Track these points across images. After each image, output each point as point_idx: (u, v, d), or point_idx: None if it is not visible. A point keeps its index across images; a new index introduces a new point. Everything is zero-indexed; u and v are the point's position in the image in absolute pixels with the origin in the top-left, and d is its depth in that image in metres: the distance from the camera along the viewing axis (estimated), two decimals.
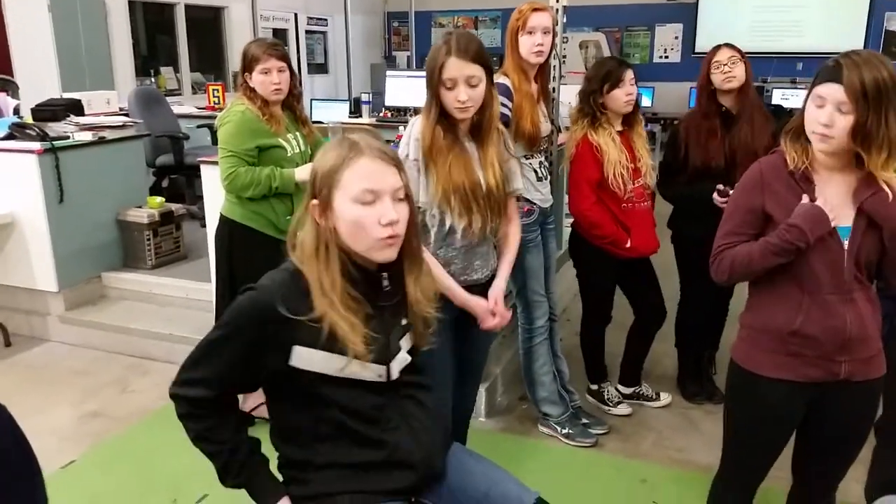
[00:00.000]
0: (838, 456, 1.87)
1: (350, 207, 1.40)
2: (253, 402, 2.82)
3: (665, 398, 3.25)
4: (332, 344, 1.40)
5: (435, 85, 1.96)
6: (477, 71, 1.95)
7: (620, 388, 3.27)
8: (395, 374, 1.52)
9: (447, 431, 1.69)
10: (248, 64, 2.74)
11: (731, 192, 2.73)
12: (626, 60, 2.90)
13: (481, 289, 2.12)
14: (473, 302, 2.07)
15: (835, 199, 1.68)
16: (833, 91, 1.59)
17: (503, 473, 1.64)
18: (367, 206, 1.40)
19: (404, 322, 1.55)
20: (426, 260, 1.62)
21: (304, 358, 1.42)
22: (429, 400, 1.60)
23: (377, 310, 1.48)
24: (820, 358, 1.72)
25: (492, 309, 2.08)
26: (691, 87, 8.49)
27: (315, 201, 1.44)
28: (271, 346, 1.41)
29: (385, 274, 1.49)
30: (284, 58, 2.79)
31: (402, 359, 1.54)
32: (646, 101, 8.39)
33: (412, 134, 2.02)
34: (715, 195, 2.78)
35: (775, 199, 1.72)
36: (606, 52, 9.60)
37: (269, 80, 2.74)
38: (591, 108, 2.85)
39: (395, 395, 1.53)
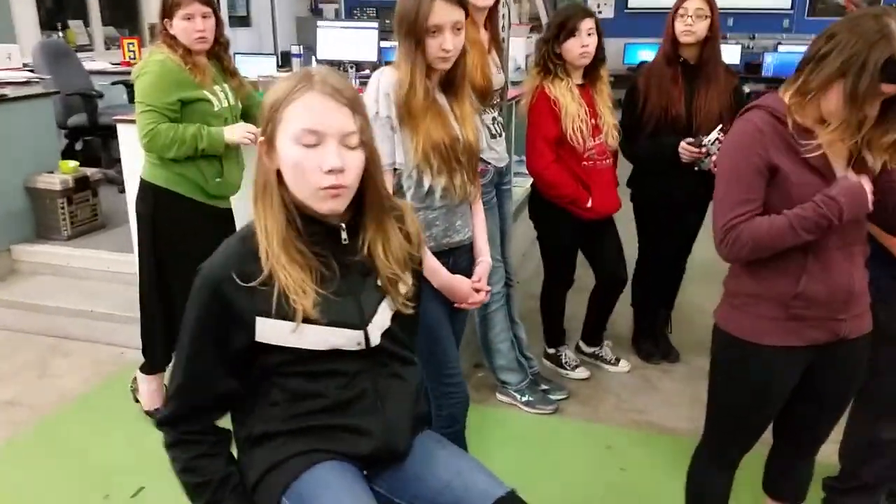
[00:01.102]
0: (831, 414, 1.80)
1: (290, 148, 1.24)
2: None
3: (623, 365, 3.15)
4: (286, 308, 1.26)
5: (419, 32, 1.75)
6: (461, 16, 1.78)
7: (582, 345, 3.18)
8: (375, 340, 1.36)
9: (420, 413, 1.51)
10: (169, 9, 2.44)
11: (703, 140, 2.66)
12: (588, 9, 2.71)
13: (466, 250, 1.98)
14: (457, 283, 1.91)
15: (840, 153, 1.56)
16: None
17: (472, 463, 1.47)
18: (308, 148, 1.24)
19: (379, 283, 1.37)
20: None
21: (267, 330, 1.28)
22: (407, 374, 1.46)
23: (342, 268, 1.32)
24: (824, 319, 1.62)
25: (474, 286, 1.93)
26: (626, 44, 8.43)
27: (262, 138, 1.30)
28: (233, 320, 1.28)
29: (342, 225, 1.32)
30: (209, 2, 2.50)
31: (380, 323, 1.38)
32: (652, 56, 8.01)
33: (380, 89, 1.80)
34: (683, 144, 2.68)
35: (780, 154, 1.55)
36: (540, 7, 9.41)
37: (192, 26, 2.46)
38: (546, 57, 2.68)
39: (373, 363, 1.38)
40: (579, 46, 2.63)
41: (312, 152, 1.23)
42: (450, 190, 1.87)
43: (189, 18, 2.44)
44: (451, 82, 1.88)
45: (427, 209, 1.87)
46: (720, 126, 2.67)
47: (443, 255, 1.91)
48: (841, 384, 1.75)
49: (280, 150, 1.26)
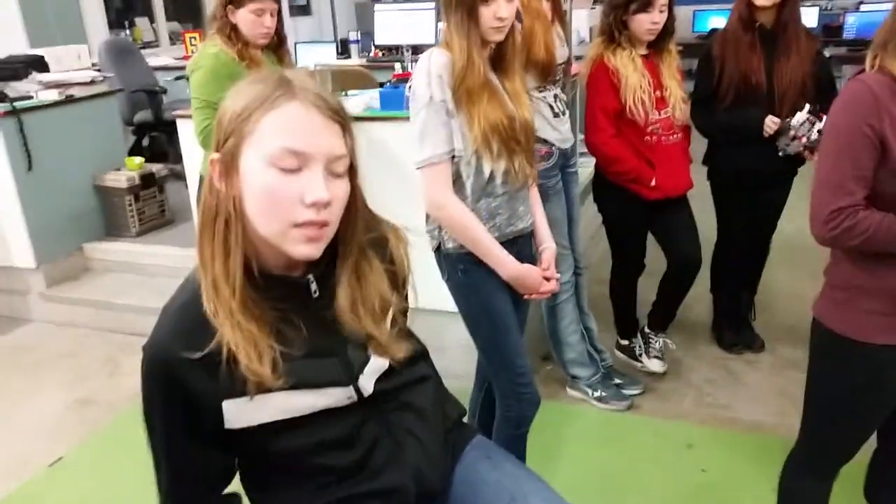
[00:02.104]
0: None
1: (262, 172, 0.97)
2: None
3: (657, 366, 2.87)
4: (239, 378, 1.01)
5: (472, 2, 1.63)
6: None
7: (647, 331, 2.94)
8: (368, 390, 1.14)
9: (451, 426, 1.32)
10: None
11: (790, 123, 2.45)
12: None
13: (528, 237, 1.88)
14: (527, 272, 1.79)
15: None
16: None
17: (528, 484, 1.24)
18: (286, 173, 0.97)
19: (355, 328, 1.13)
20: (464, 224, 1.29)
21: (236, 413, 1.05)
22: (419, 396, 1.23)
23: (313, 324, 1.08)
24: None
25: (544, 274, 1.82)
26: (695, 11, 8.03)
27: (216, 155, 1.01)
28: (192, 404, 1.04)
29: (311, 276, 1.07)
30: None
31: (376, 367, 1.15)
32: (723, 23, 7.34)
33: (431, 71, 1.67)
34: (768, 120, 2.49)
35: (894, 127, 1.35)
36: None
37: (260, 21, 2.41)
38: (612, 25, 2.51)
39: (375, 407, 1.16)
40: (649, 22, 2.44)
41: (292, 179, 0.97)
42: (510, 173, 1.75)
43: (260, 13, 2.39)
44: (501, 57, 1.76)
45: (489, 197, 1.76)
46: (808, 106, 2.45)
47: (506, 244, 1.79)
48: None
49: (246, 173, 0.98)
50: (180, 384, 1.02)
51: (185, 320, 1.03)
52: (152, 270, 3.82)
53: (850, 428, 1.60)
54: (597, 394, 2.70)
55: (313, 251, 1.01)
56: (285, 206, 0.97)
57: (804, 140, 2.45)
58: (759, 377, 2.85)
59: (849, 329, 1.50)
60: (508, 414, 1.93)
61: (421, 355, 1.26)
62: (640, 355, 2.92)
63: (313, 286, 1.08)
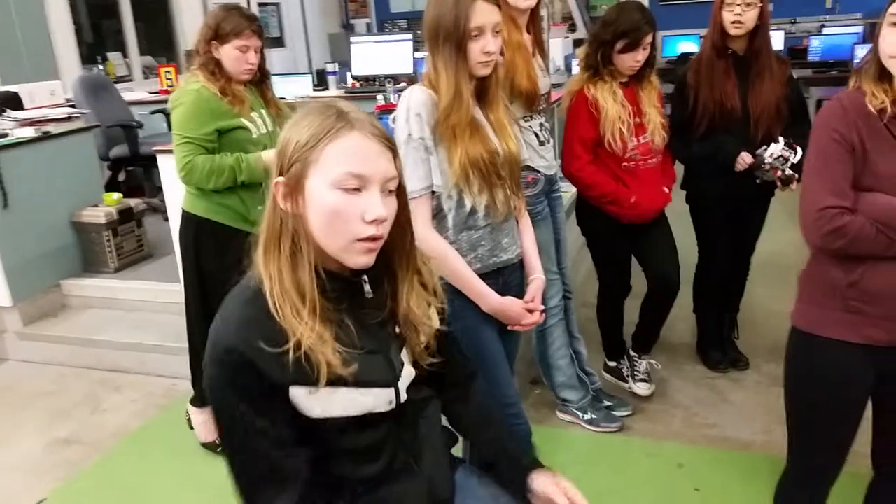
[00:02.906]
0: None
1: (327, 193, 1.09)
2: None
3: (643, 388, 2.89)
4: (311, 373, 1.10)
5: (462, 36, 1.65)
6: (500, 17, 1.69)
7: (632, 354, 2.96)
8: (403, 396, 1.24)
9: (448, 441, 1.44)
10: (224, 35, 2.37)
11: (765, 156, 2.51)
12: (652, 18, 2.52)
13: (515, 267, 1.87)
14: (508, 305, 1.79)
15: None
16: None
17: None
18: (349, 193, 1.09)
19: (397, 330, 1.25)
20: (442, 258, 1.39)
21: (303, 402, 1.13)
22: (435, 409, 1.36)
23: (361, 323, 1.18)
24: (884, 318, 1.48)
25: (527, 306, 1.81)
26: (664, 36, 8.21)
27: (281, 179, 1.12)
28: (264, 386, 1.10)
29: (365, 277, 1.19)
30: (262, 36, 2.46)
31: (407, 374, 1.26)
32: (691, 47, 7.01)
33: (410, 109, 1.69)
34: (741, 158, 2.56)
35: (870, 140, 1.45)
36: (573, 5, 9.27)
37: (245, 58, 2.41)
38: (598, 60, 2.54)
39: (398, 420, 1.25)
40: (633, 60, 2.50)
41: (353, 198, 1.10)
42: (492, 207, 1.76)
43: (244, 50, 2.39)
44: (484, 90, 1.77)
45: (471, 230, 1.76)
46: (782, 140, 2.51)
47: (490, 276, 1.80)
48: None
49: (311, 195, 1.10)
50: (253, 367, 1.08)
51: (253, 313, 1.11)
52: (132, 305, 3.78)
53: (823, 429, 1.64)
54: (587, 416, 2.70)
55: (368, 261, 1.14)
56: (348, 223, 1.10)
57: (779, 173, 2.52)
58: (744, 395, 2.88)
59: (806, 323, 1.58)
60: None
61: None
62: (628, 377, 2.94)
63: (366, 287, 1.19)
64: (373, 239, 1.11)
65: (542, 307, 1.86)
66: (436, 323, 1.29)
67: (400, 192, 1.18)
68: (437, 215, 1.74)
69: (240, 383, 1.09)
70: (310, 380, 1.10)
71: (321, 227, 1.11)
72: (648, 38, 2.48)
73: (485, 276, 1.78)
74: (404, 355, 1.26)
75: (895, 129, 1.45)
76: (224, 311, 1.14)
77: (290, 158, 1.11)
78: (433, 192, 1.71)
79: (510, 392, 1.87)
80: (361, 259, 1.12)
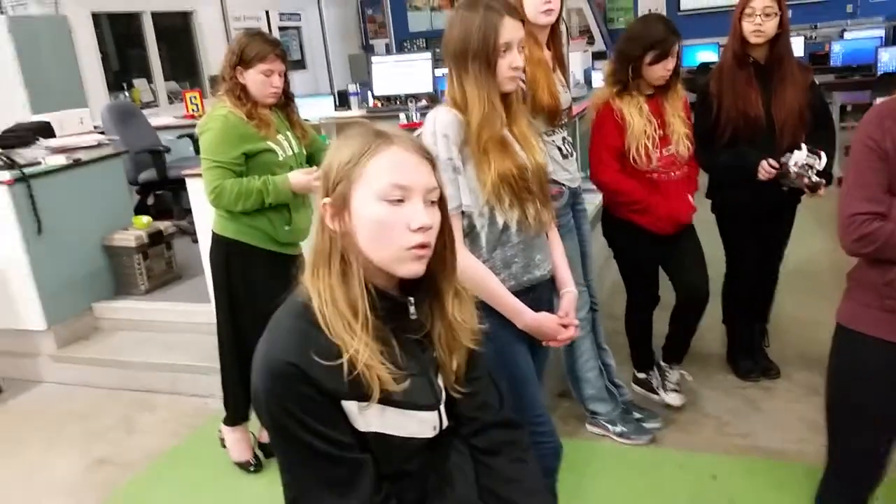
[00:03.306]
0: None
1: (373, 206, 1.12)
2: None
3: (674, 399, 2.87)
4: (359, 387, 1.11)
5: (492, 53, 1.67)
6: (524, 32, 1.72)
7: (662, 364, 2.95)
8: (446, 421, 1.25)
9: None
10: (248, 60, 2.42)
11: (790, 163, 2.50)
12: (675, 27, 2.54)
13: (547, 283, 1.86)
14: (543, 321, 1.78)
15: None
16: None
17: None
18: (393, 205, 1.12)
19: (434, 355, 1.26)
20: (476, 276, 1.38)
21: (356, 416, 1.14)
22: (458, 442, 1.35)
23: (404, 345, 1.19)
24: None
25: (562, 321, 1.80)
26: (682, 46, 8.19)
27: (328, 200, 1.15)
28: (324, 401, 1.11)
29: (411, 299, 1.20)
30: (286, 60, 2.51)
31: (445, 398, 1.27)
32: (711, 56, 7.13)
33: (437, 131, 1.70)
34: (762, 167, 2.54)
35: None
36: (590, 18, 9.31)
37: (269, 82, 2.45)
38: (627, 74, 2.54)
39: (439, 442, 1.25)
40: (663, 69, 2.51)
41: (397, 209, 1.12)
42: (524, 222, 1.76)
43: (269, 74, 2.44)
44: (507, 105, 1.77)
45: (504, 246, 1.76)
46: (805, 147, 2.50)
47: (522, 293, 1.79)
48: None
49: (358, 210, 1.13)
50: (309, 379, 1.09)
51: (304, 327, 1.12)
52: (162, 327, 3.83)
53: (862, 428, 1.65)
54: (617, 429, 2.69)
55: (420, 269, 1.15)
56: (395, 233, 1.11)
57: (805, 180, 2.50)
58: (777, 404, 2.85)
59: (849, 320, 1.61)
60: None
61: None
62: (658, 388, 2.92)
63: (412, 308, 1.20)
64: (421, 246, 1.13)
65: (576, 322, 1.85)
66: (470, 343, 1.27)
67: (441, 204, 1.19)
68: (470, 234, 1.74)
69: (297, 394, 1.09)
70: (362, 395, 1.11)
71: (369, 240, 1.13)
72: (676, 48, 2.50)
73: (517, 293, 1.77)
74: (440, 379, 1.26)
75: None
76: (274, 326, 1.15)
77: (335, 179, 1.14)
78: (462, 213, 1.72)
79: (540, 412, 1.87)
80: (412, 267, 1.14)
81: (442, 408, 1.24)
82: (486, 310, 1.72)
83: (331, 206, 1.15)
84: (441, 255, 1.21)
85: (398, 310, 1.19)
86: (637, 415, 2.76)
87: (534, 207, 1.76)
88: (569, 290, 1.87)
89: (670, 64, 2.50)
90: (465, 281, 1.71)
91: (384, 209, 1.12)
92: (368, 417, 1.14)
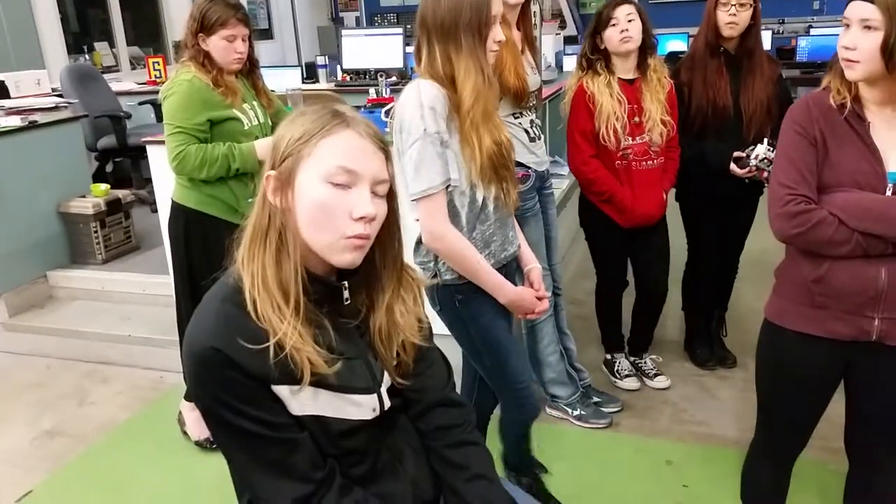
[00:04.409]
0: (880, 431, 1.69)
1: (317, 187, 1.09)
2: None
3: (661, 381, 2.95)
4: (293, 371, 1.08)
5: (482, 27, 1.66)
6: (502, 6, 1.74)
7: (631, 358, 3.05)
8: (387, 403, 1.23)
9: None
10: (210, 26, 2.36)
11: (751, 157, 2.53)
12: None
13: (513, 261, 1.91)
14: (522, 294, 1.83)
15: (887, 140, 1.50)
16: (855, 8, 1.44)
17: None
18: (338, 189, 1.09)
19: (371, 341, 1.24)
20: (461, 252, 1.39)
21: (289, 401, 1.11)
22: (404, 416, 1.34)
23: (339, 329, 1.16)
24: (848, 313, 1.54)
25: (537, 294, 1.86)
26: (646, 22, 8.25)
27: (273, 172, 1.11)
28: (251, 386, 1.08)
29: (345, 283, 1.16)
30: (249, 24, 2.44)
31: (386, 381, 1.24)
32: (680, 46, 7.46)
33: (424, 103, 1.66)
34: (733, 166, 2.60)
35: (830, 136, 1.52)
36: (563, 2, 9.28)
37: (232, 47, 2.39)
38: (585, 52, 2.61)
39: (385, 421, 1.24)
40: (618, 33, 2.53)
41: (343, 194, 1.09)
42: (500, 199, 1.78)
43: (231, 39, 2.38)
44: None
45: (483, 224, 1.78)
46: (766, 141, 2.53)
47: (499, 270, 1.82)
48: (880, 397, 1.65)
49: (301, 188, 1.09)
50: (236, 364, 1.06)
51: (231, 311, 1.09)
52: (119, 297, 3.75)
53: (787, 413, 1.74)
54: (576, 412, 2.72)
55: (356, 259, 1.12)
56: (337, 219, 1.09)
57: (764, 174, 2.54)
58: (732, 392, 2.90)
59: (776, 316, 1.66)
60: (509, 418, 2.06)
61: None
62: (617, 371, 2.96)
63: (345, 293, 1.17)
64: (360, 237, 1.10)
65: (548, 294, 1.92)
66: (416, 338, 1.25)
67: (390, 197, 1.17)
68: (450, 213, 1.73)
69: (223, 378, 1.07)
70: (293, 379, 1.08)
71: (309, 221, 1.10)
72: (625, 10, 2.52)
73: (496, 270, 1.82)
74: (384, 364, 1.24)
75: (855, 124, 1.51)
76: (201, 310, 1.12)
77: (283, 153, 1.11)
78: (448, 188, 1.71)
79: (524, 378, 1.95)
80: (347, 257, 1.11)
81: (383, 390, 1.22)
82: (470, 289, 1.77)
83: (275, 180, 1.11)
84: (386, 245, 1.20)
85: (332, 294, 1.16)
86: (596, 399, 2.79)
87: (507, 185, 1.78)
88: (534, 266, 1.92)
89: (625, 25, 2.52)
90: (449, 256, 1.72)
91: (328, 192, 1.09)
92: (303, 401, 1.11)
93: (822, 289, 1.54)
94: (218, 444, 1.16)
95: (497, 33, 1.68)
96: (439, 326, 1.84)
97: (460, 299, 1.80)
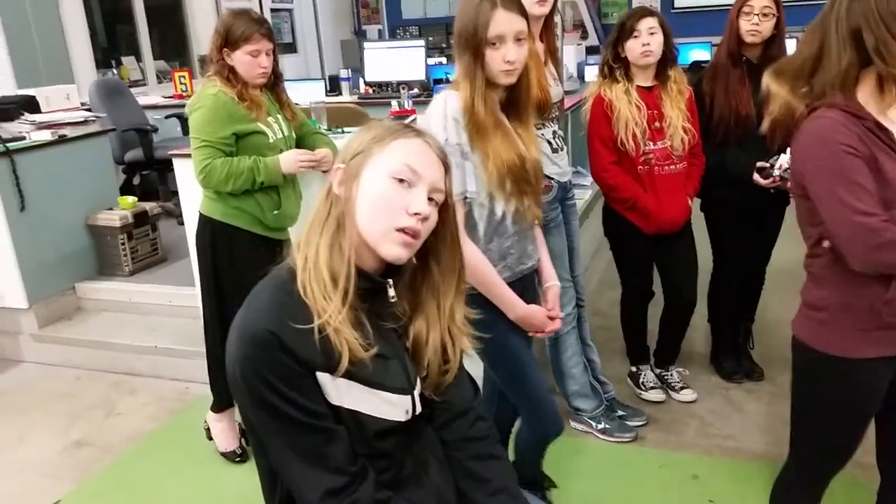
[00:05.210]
0: None
1: (382, 180, 1.17)
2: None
3: (688, 395, 2.92)
4: (330, 356, 1.12)
5: (478, 45, 1.66)
6: (524, 25, 1.69)
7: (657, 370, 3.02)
8: (419, 408, 1.27)
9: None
10: (234, 41, 2.39)
11: (775, 166, 2.50)
12: (653, 9, 2.61)
13: (532, 276, 1.92)
14: (533, 313, 1.83)
15: None
16: None
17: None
18: (400, 185, 1.17)
19: (408, 346, 1.28)
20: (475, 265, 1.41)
21: (328, 388, 1.14)
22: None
23: (379, 329, 1.20)
24: None
25: (549, 313, 1.86)
26: (676, 44, 8.19)
27: (343, 165, 1.21)
28: (299, 372, 1.11)
29: (390, 281, 1.21)
30: (273, 38, 2.47)
31: (418, 387, 1.28)
32: (703, 55, 6.87)
33: (448, 114, 1.69)
34: (756, 176, 2.55)
35: (877, 152, 1.42)
36: (584, 12, 9.28)
37: (257, 62, 2.42)
38: (605, 61, 2.62)
39: (413, 427, 1.27)
40: (640, 46, 2.53)
41: (403, 191, 1.17)
42: (519, 213, 1.79)
43: (255, 54, 2.41)
44: (513, 102, 1.78)
45: (501, 237, 1.78)
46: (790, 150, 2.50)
47: (514, 284, 1.82)
48: None
49: (365, 180, 1.18)
50: (285, 346, 1.09)
51: (282, 297, 1.14)
52: (146, 309, 3.79)
53: (838, 445, 1.65)
54: (600, 426, 2.69)
55: (404, 254, 1.17)
56: (393, 210, 1.16)
57: (789, 184, 2.50)
58: (759, 406, 2.86)
59: (838, 348, 1.54)
60: (530, 433, 2.03)
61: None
62: (642, 383, 2.94)
63: (391, 291, 1.22)
64: (412, 233, 1.16)
65: (561, 314, 1.90)
66: (456, 361, 1.30)
67: (445, 209, 1.24)
68: (467, 225, 1.74)
69: (273, 361, 1.10)
70: (332, 364, 1.12)
71: (367, 209, 1.17)
72: (648, 23, 2.51)
73: (510, 284, 1.81)
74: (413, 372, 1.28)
75: (882, 135, 1.43)
76: (253, 297, 1.17)
77: (356, 150, 1.21)
78: (465, 199, 1.72)
79: (542, 391, 1.94)
80: (396, 250, 1.16)
81: (416, 393, 1.25)
82: (482, 301, 1.75)
83: (343, 172, 1.20)
84: (442, 256, 1.27)
85: (375, 292, 1.21)
86: (620, 412, 2.77)
87: (529, 200, 1.79)
88: (553, 284, 1.93)
89: (647, 38, 2.51)
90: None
91: (391, 186, 1.16)
92: (341, 391, 1.14)
93: (892, 308, 1.46)
94: (256, 430, 1.17)
95: (506, 53, 1.66)
96: None
97: (476, 312, 1.79)
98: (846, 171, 1.40)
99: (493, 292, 1.76)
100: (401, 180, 1.17)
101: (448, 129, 1.68)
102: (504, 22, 1.65)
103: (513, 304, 1.78)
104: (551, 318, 1.87)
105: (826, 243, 1.52)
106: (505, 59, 1.67)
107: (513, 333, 1.84)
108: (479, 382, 2.16)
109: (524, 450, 2.14)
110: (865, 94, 1.45)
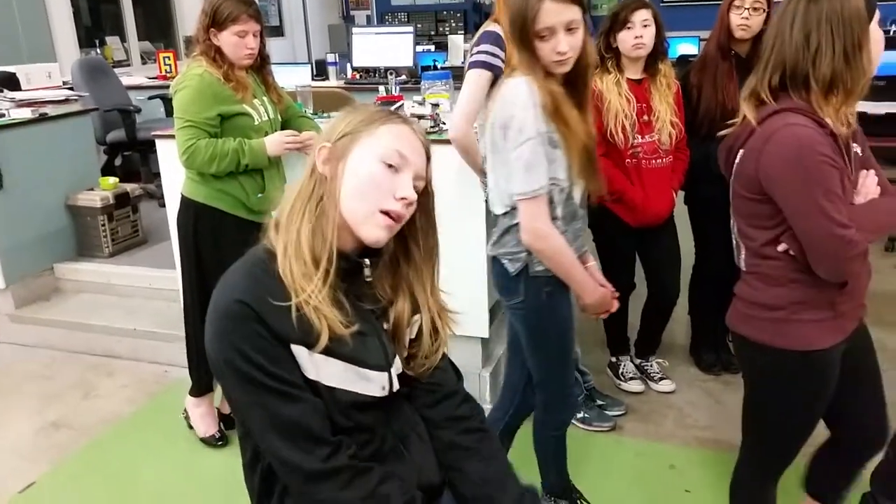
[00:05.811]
0: (878, 385, 1.78)
1: (371, 163, 1.19)
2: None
3: (666, 385, 2.95)
4: (308, 333, 1.14)
5: (529, 38, 1.65)
6: (576, 13, 1.66)
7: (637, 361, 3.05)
8: (396, 384, 1.28)
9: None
10: (221, 22, 2.36)
11: None
12: (648, 2, 2.57)
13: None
14: (604, 294, 1.88)
15: None
16: None
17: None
18: (388, 169, 1.19)
19: (386, 327, 1.29)
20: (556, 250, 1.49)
21: (304, 362, 1.16)
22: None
23: (357, 308, 1.23)
24: (858, 306, 1.61)
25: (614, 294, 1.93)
26: (659, 22, 8.22)
27: (328, 144, 1.21)
28: (275, 344, 1.12)
29: (366, 261, 1.24)
30: (261, 20, 2.45)
31: (397, 365, 1.30)
32: (691, 49, 6.82)
33: (536, 102, 1.66)
34: None
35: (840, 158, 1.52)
36: None
37: (244, 43, 2.39)
38: (599, 51, 2.59)
39: (393, 404, 1.30)
40: (632, 38, 2.52)
41: (391, 176, 1.19)
42: (583, 196, 1.82)
43: (242, 35, 2.38)
44: (572, 83, 1.74)
45: (574, 220, 1.81)
46: None
47: None
48: (865, 358, 1.75)
49: (353, 162, 1.19)
50: (261, 319, 1.11)
51: (259, 274, 1.16)
52: (125, 291, 3.76)
53: (800, 433, 1.71)
54: (580, 415, 2.71)
55: (383, 237, 1.20)
56: (380, 193, 1.18)
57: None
58: (737, 398, 2.83)
59: (796, 342, 1.58)
60: (550, 418, 2.06)
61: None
62: (622, 374, 2.96)
63: (367, 270, 1.24)
64: (395, 217, 1.19)
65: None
66: (445, 339, 1.34)
67: (425, 194, 1.27)
68: (549, 207, 1.75)
69: (248, 332, 1.11)
70: (310, 340, 1.13)
71: (353, 191, 1.18)
72: (642, 15, 2.51)
73: None
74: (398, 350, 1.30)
75: (839, 145, 1.51)
76: (229, 273, 1.18)
77: (343, 131, 1.21)
78: (555, 185, 1.72)
79: (573, 373, 2.08)
80: (377, 232, 1.18)
81: (393, 371, 1.27)
82: (558, 284, 1.81)
83: (329, 151, 1.20)
84: (421, 241, 1.29)
85: (354, 273, 1.23)
86: (600, 402, 2.79)
87: (595, 180, 1.81)
88: (594, 264, 1.98)
89: (640, 31, 2.51)
90: (549, 255, 1.75)
91: (380, 169, 1.19)
92: (318, 366, 1.16)
93: (846, 296, 1.56)
94: (235, 404, 1.18)
95: (557, 44, 1.64)
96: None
97: (548, 291, 1.82)
98: (827, 183, 1.45)
99: (574, 278, 1.79)
100: (389, 165, 1.19)
101: (539, 118, 1.66)
102: (552, 13, 1.63)
103: (592, 289, 1.82)
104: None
105: (782, 246, 1.55)
106: (556, 50, 1.65)
107: (570, 319, 1.90)
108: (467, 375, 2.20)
109: (547, 441, 2.14)
110: (817, 97, 1.50)
